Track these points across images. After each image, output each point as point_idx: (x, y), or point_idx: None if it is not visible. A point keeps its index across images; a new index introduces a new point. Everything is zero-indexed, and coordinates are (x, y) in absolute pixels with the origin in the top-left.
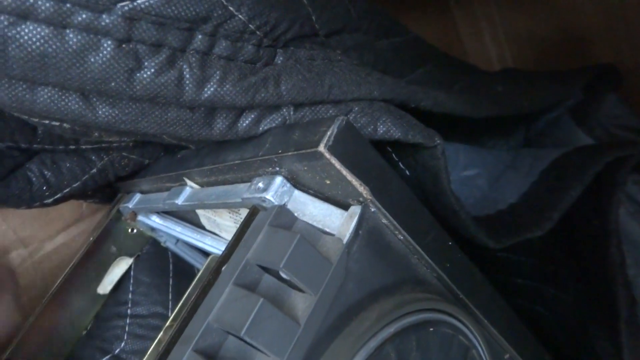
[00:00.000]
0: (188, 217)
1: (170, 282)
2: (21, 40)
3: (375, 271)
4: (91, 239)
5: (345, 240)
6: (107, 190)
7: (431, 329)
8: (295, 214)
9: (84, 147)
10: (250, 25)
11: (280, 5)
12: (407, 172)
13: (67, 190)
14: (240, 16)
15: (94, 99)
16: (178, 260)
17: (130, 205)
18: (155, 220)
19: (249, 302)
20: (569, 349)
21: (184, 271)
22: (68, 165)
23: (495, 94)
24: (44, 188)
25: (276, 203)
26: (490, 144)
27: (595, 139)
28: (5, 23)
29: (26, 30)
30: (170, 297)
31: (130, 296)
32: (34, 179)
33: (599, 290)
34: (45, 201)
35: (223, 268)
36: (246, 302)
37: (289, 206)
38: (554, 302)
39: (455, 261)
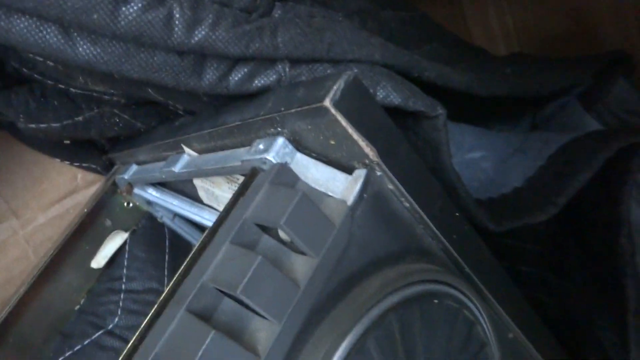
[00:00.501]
0: (186, 190)
1: (166, 259)
2: None
3: (379, 238)
4: (85, 210)
5: (349, 204)
6: (103, 160)
7: (436, 301)
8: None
9: (73, 90)
10: None
11: None
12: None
13: (44, 125)
14: None
15: (75, 34)
16: (174, 236)
17: (127, 176)
18: (152, 193)
19: (247, 261)
20: (572, 338)
21: (181, 248)
22: (55, 103)
23: (504, 74)
24: (21, 115)
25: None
26: (496, 129)
27: (604, 124)
28: None
29: None
30: (165, 273)
31: (124, 271)
32: (14, 102)
33: (606, 281)
34: (18, 124)
35: (220, 229)
36: (243, 261)
37: (292, 166)
38: (559, 290)
39: (462, 233)
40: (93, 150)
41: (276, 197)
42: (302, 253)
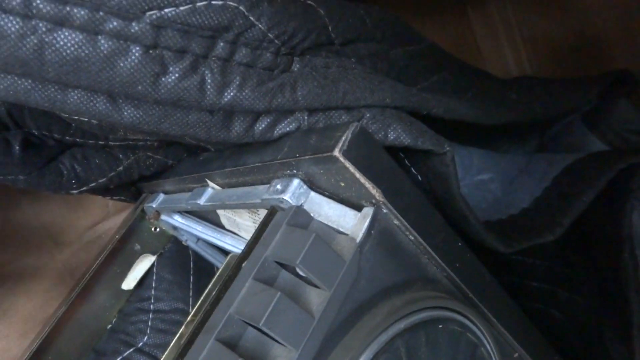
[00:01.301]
0: (209, 217)
1: (191, 280)
2: (57, 46)
3: (386, 269)
4: (117, 237)
5: (358, 240)
6: (132, 189)
7: (440, 326)
8: (312, 215)
9: (112, 143)
10: (269, 34)
11: (298, 15)
12: (419, 178)
13: (94, 184)
14: (260, 25)
15: (120, 101)
16: (198, 258)
17: (154, 205)
18: (178, 220)
19: (268, 296)
20: (583, 352)
21: (204, 269)
22: (97, 161)
23: (509, 100)
24: (73, 181)
25: (293, 204)
26: (505, 148)
27: (608, 143)
28: (43, 29)
29: (62, 36)
30: (190, 293)
31: (153, 292)
32: (65, 171)
33: (612, 295)
34: (72, 192)
35: (243, 264)
36: (265, 296)
37: (306, 207)
38: (569, 305)
39: (464, 261)
40: (123, 184)
41: (292, 237)
42: (316, 287)
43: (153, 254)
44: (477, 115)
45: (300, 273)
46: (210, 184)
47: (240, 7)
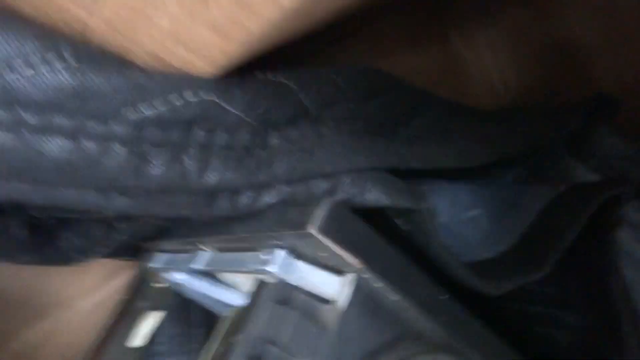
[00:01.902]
0: (209, 273)
1: (196, 332)
2: (46, 151)
3: (372, 332)
4: (123, 297)
5: (341, 308)
6: (133, 249)
7: None
8: (299, 281)
9: (110, 214)
10: (245, 118)
11: (270, 95)
12: (403, 228)
13: (95, 255)
14: (234, 112)
15: (110, 193)
16: (202, 310)
17: (156, 265)
18: (178, 277)
19: None
20: None
21: (208, 320)
22: (97, 233)
23: (490, 136)
24: (75, 254)
25: (280, 275)
26: (494, 174)
27: (593, 170)
28: (30, 137)
29: (50, 144)
30: (197, 346)
31: (160, 348)
32: (65, 247)
33: (608, 322)
34: (72, 263)
35: (235, 339)
36: None
37: (293, 275)
38: (574, 329)
39: (451, 314)
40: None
41: (277, 317)
42: (303, 358)
43: (158, 310)
44: (456, 161)
45: (286, 348)
46: (205, 248)
47: (215, 100)
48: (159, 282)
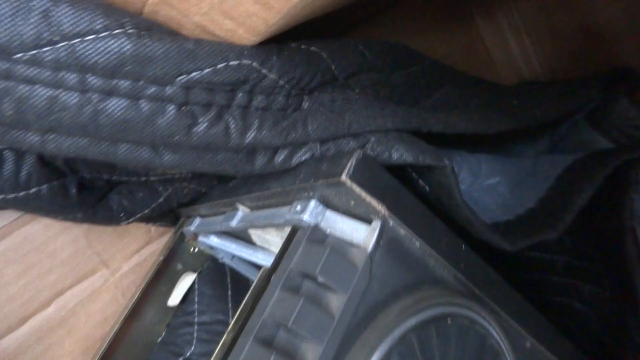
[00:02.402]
0: (241, 236)
1: (229, 293)
2: (108, 112)
3: (396, 274)
4: (161, 258)
5: (368, 250)
6: (171, 215)
7: (449, 321)
8: (328, 230)
9: (152, 179)
10: (280, 82)
11: (303, 62)
12: (427, 189)
13: (139, 215)
14: (271, 76)
15: (161, 149)
16: (234, 273)
17: (192, 228)
18: (214, 240)
19: (293, 302)
20: (608, 341)
21: (240, 282)
22: (140, 195)
23: (510, 107)
24: (121, 214)
25: (312, 223)
26: (517, 150)
27: (612, 140)
28: (96, 99)
29: (112, 104)
30: (229, 305)
31: (196, 307)
32: (114, 206)
33: (624, 284)
34: (121, 223)
35: (272, 277)
36: (291, 302)
37: (323, 224)
38: (592, 297)
39: (469, 261)
40: (164, 212)
41: (312, 252)
42: (335, 292)
43: (193, 272)
44: (477, 127)
45: (321, 281)
46: (240, 207)
47: (254, 64)
48: (194, 247)
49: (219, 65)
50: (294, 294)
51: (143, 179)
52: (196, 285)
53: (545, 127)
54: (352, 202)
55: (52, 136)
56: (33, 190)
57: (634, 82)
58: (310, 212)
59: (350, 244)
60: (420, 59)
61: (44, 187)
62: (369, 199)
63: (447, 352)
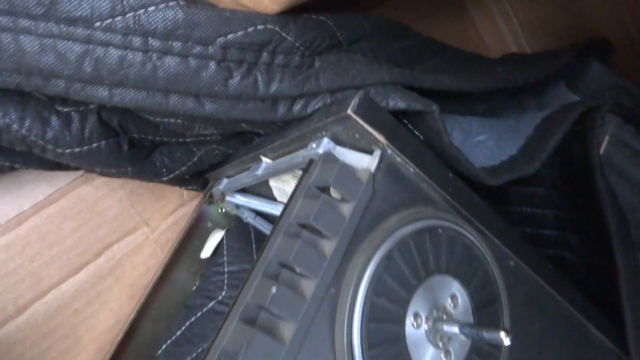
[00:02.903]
0: (263, 192)
1: (253, 247)
2: (165, 67)
3: (395, 192)
4: (193, 216)
5: (372, 170)
6: (201, 180)
7: (440, 231)
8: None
9: (188, 140)
10: (296, 44)
11: (314, 28)
12: (421, 137)
13: (178, 172)
14: (289, 38)
15: (203, 99)
16: (257, 231)
17: (220, 187)
18: (239, 198)
19: (313, 203)
20: (599, 289)
21: (262, 239)
22: (178, 154)
23: (494, 72)
24: (163, 170)
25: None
26: (506, 114)
27: (585, 97)
28: (155, 57)
29: (167, 60)
30: (254, 257)
31: (225, 258)
32: (158, 163)
33: (598, 223)
34: (163, 178)
35: (295, 194)
36: (312, 204)
37: (334, 153)
38: (580, 247)
39: (456, 187)
40: (193, 177)
41: (326, 168)
42: (345, 201)
43: (222, 229)
44: (463, 85)
45: (333, 192)
46: (264, 159)
47: (276, 28)
48: (222, 208)
49: (249, 29)
50: (314, 199)
51: (181, 140)
52: (225, 241)
53: (530, 95)
54: (357, 135)
55: (119, 90)
56: (95, 145)
57: (606, 50)
58: (324, 147)
59: (357, 168)
60: (414, 34)
61: (103, 143)
62: (370, 130)
63: (438, 254)
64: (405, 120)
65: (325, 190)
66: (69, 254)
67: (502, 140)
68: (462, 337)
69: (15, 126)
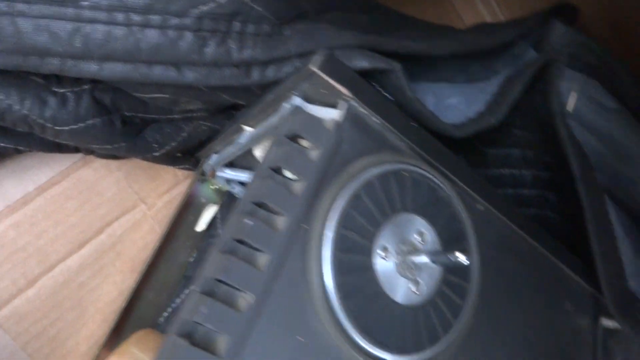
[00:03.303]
0: (250, 165)
1: None
2: (146, 39)
3: (361, 140)
4: (188, 192)
5: (338, 120)
6: (192, 160)
7: (405, 174)
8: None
9: (176, 116)
10: (265, 14)
11: None
12: (390, 97)
13: (168, 147)
14: (258, 9)
15: (183, 68)
16: None
17: (210, 162)
18: (228, 172)
19: (286, 147)
20: (582, 245)
21: None
22: (168, 130)
23: (461, 37)
24: (155, 145)
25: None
26: (477, 79)
27: (549, 55)
28: (137, 31)
29: (148, 33)
30: None
31: (219, 230)
32: (149, 139)
33: (565, 170)
34: (155, 154)
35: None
36: (284, 148)
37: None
38: (560, 205)
39: (420, 136)
40: (185, 156)
41: (295, 120)
42: (314, 148)
43: (215, 204)
44: (427, 49)
45: (302, 141)
46: (245, 127)
47: (244, 0)
48: (213, 184)
49: (220, 1)
50: (285, 146)
51: (169, 116)
52: (218, 215)
53: (501, 60)
54: (324, 91)
55: (107, 64)
56: (89, 122)
57: (571, 13)
58: (294, 104)
59: (324, 119)
60: (385, 8)
61: (97, 120)
62: (335, 84)
63: (404, 194)
64: (374, 83)
65: (295, 139)
66: (72, 231)
67: (473, 102)
68: (431, 268)
69: (16, 107)
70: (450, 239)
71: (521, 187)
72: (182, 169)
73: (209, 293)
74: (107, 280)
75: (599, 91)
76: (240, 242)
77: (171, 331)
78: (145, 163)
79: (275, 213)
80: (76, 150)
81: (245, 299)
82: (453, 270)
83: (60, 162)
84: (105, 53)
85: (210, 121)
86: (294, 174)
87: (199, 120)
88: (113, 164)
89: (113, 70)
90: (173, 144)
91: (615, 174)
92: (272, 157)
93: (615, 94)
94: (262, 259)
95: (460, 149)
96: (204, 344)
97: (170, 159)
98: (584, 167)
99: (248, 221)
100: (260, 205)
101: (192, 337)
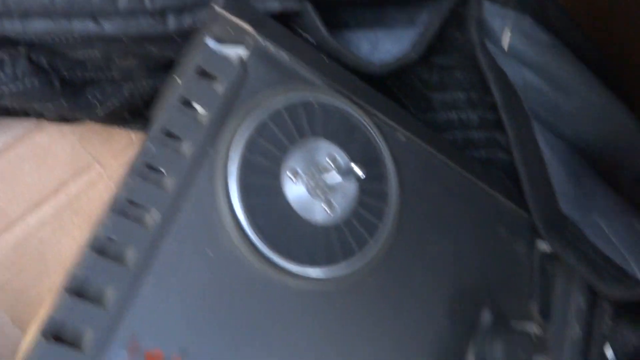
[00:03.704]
0: None
1: None
2: None
3: (268, 73)
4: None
5: (241, 54)
6: (144, 121)
7: (316, 106)
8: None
9: (115, 75)
10: None
11: None
12: (311, 40)
13: (111, 106)
14: None
15: (100, 19)
16: None
17: None
18: None
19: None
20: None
21: None
22: (109, 89)
23: None
24: (97, 103)
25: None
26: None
27: None
28: None
29: None
30: None
31: None
32: (90, 97)
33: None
34: (98, 113)
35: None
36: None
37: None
38: (509, 145)
39: (332, 69)
40: (134, 117)
41: (201, 55)
42: (218, 81)
43: None
44: None
45: (207, 77)
46: (177, 78)
47: None
48: None
49: None
50: (191, 80)
51: (108, 75)
52: None
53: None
54: (231, 31)
55: (29, 21)
56: (28, 83)
57: None
58: (204, 44)
59: (230, 55)
60: None
61: (35, 80)
62: (239, 22)
63: (314, 122)
64: (295, 26)
65: (201, 72)
66: (30, 190)
67: (405, 44)
68: (345, 190)
69: None
70: (365, 164)
71: (469, 130)
72: (135, 130)
73: (120, 212)
74: (67, 235)
75: (533, 26)
76: (149, 167)
77: (86, 246)
78: (99, 127)
79: (181, 140)
80: (25, 114)
81: (152, 217)
82: (369, 193)
83: (14, 128)
84: (23, 9)
85: (151, 78)
86: (200, 105)
87: (139, 79)
88: (66, 128)
89: (36, 26)
90: (115, 102)
91: (556, 107)
92: (180, 91)
93: (549, 29)
94: (169, 181)
95: (407, 97)
96: (114, 257)
97: (119, 119)
98: (505, 92)
99: (152, 146)
100: (168, 135)
101: (105, 252)
